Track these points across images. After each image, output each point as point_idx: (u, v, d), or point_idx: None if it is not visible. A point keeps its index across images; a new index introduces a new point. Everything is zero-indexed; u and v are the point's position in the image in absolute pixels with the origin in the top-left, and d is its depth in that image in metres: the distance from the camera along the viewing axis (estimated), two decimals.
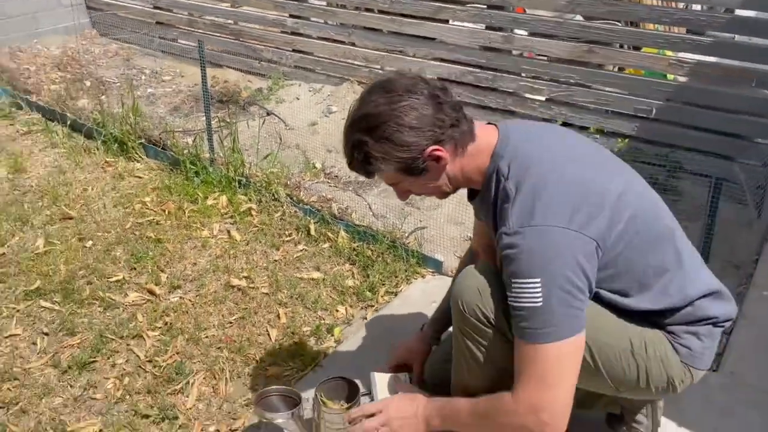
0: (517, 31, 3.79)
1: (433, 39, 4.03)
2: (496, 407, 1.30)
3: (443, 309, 1.84)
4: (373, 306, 2.43)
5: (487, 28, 3.84)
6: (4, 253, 2.72)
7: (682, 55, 3.33)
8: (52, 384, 2.06)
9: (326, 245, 2.79)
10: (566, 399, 1.24)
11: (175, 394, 2.02)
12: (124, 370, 2.12)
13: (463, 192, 1.54)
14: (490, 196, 1.39)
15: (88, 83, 4.78)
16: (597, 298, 1.34)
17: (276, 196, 3.07)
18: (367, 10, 4.28)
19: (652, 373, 1.37)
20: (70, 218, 3.00)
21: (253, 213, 3.03)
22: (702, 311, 1.36)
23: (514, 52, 3.87)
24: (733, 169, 3.15)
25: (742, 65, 3.17)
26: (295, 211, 3.00)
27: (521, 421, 1.25)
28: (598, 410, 1.75)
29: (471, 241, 1.92)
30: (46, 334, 2.28)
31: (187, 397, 2.01)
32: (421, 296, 2.45)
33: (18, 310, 2.38)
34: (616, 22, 3.54)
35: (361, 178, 3.17)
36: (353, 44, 4.51)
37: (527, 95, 3.83)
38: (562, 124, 3.71)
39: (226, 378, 2.08)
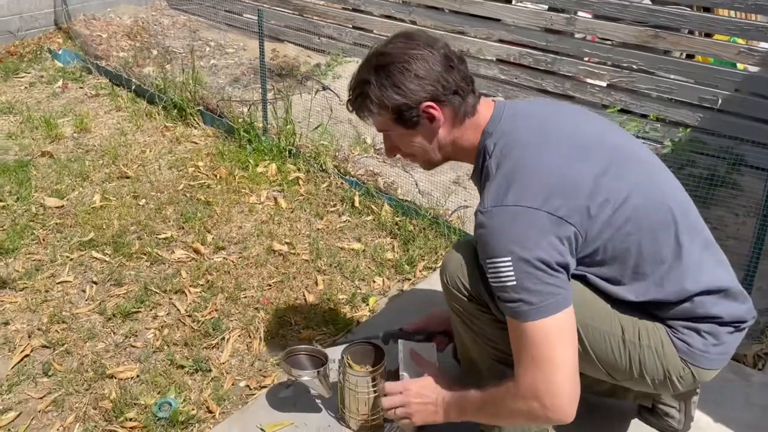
0: (580, 13, 3.68)
1: (494, 19, 3.96)
2: (503, 394, 1.28)
3: None
4: (410, 279, 2.43)
5: (550, 9, 3.75)
6: (63, 206, 2.86)
7: (753, 43, 3.17)
8: (97, 330, 2.16)
9: (369, 218, 2.80)
10: (564, 380, 1.20)
11: (210, 349, 2.09)
12: (165, 322, 2.20)
13: None
14: (479, 174, 1.38)
15: (154, 52, 4.93)
16: (588, 284, 1.31)
17: (324, 168, 3.10)
18: None
19: (647, 364, 1.32)
20: (127, 177, 3.12)
21: (301, 182, 3.08)
22: (703, 308, 1.29)
23: (577, 35, 3.76)
24: None
25: None
26: (342, 183, 3.02)
27: (527, 406, 1.23)
28: (630, 402, 1.72)
29: None
30: (95, 283, 2.38)
31: (222, 352, 2.07)
32: None
33: (71, 259, 2.50)
34: (686, 8, 3.39)
35: None
36: (414, 22, 4.48)
37: (587, 80, 3.72)
38: (620, 111, 3.60)
39: (260, 337, 2.13)
